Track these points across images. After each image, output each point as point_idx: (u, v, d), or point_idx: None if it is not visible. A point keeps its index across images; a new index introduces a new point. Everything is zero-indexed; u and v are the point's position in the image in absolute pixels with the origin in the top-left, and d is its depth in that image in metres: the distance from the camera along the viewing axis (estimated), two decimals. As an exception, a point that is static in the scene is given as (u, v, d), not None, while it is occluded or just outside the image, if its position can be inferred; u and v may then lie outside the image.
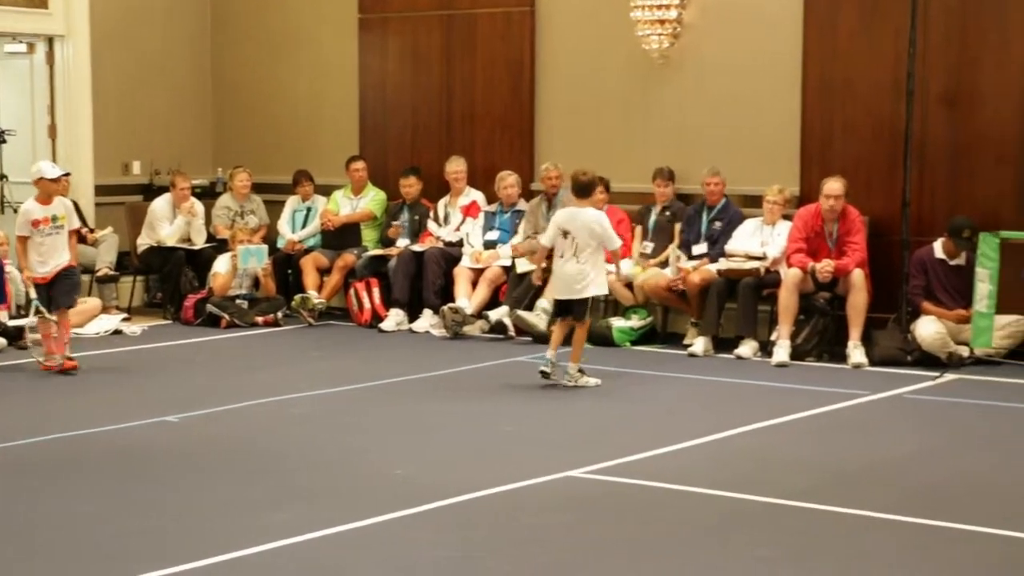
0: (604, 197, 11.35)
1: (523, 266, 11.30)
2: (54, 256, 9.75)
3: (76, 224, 10.21)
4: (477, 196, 12.25)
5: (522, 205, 11.93)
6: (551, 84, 12.20)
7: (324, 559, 5.64)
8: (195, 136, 13.90)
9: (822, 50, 10.90)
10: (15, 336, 10.60)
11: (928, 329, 9.90)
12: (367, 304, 11.94)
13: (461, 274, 11.67)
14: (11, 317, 10.87)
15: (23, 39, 13.11)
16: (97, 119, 13.03)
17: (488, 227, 12.02)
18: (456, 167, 12.23)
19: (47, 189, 9.80)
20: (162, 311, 12.51)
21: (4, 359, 10.23)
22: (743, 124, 11.25)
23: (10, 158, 12.85)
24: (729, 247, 10.70)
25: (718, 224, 10.92)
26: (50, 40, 12.97)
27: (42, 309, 9.66)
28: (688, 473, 6.96)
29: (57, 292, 9.73)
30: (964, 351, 9.82)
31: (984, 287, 9.26)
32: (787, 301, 10.16)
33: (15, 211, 12.63)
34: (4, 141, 12.74)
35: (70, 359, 9.64)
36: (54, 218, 9.76)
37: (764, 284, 10.46)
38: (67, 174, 10.59)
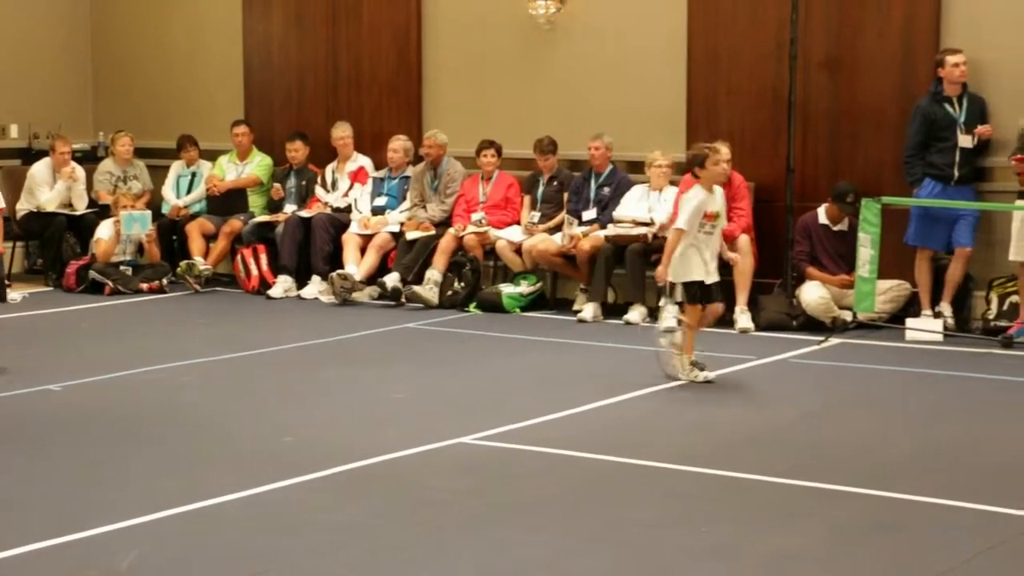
0: (496, 161, 11.40)
1: (413, 234, 11.31)
2: None
3: None
4: (365, 162, 12.17)
5: (410, 171, 11.89)
6: (438, 49, 12.16)
7: (215, 526, 5.59)
8: (75, 99, 13.62)
9: (707, 16, 10.99)
10: None
11: (812, 294, 10.07)
12: (254, 271, 11.82)
13: (350, 240, 11.61)
14: None
15: None
16: (-28, 81, 12.71)
17: (376, 193, 11.96)
18: (342, 132, 12.13)
19: None
20: (43, 278, 12.27)
21: None
22: (630, 90, 11.32)
23: None
24: (617, 213, 10.77)
25: (606, 190, 10.99)
26: (-78, -1, 12.61)
27: None
28: (577, 439, 7.01)
29: None
30: (848, 316, 10.01)
31: (866, 252, 9.45)
32: (675, 266, 10.24)
33: None
34: None
35: None
36: None
37: (652, 250, 10.54)
38: None
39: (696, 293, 8.20)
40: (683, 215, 8.29)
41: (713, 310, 8.35)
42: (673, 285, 8.25)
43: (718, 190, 8.41)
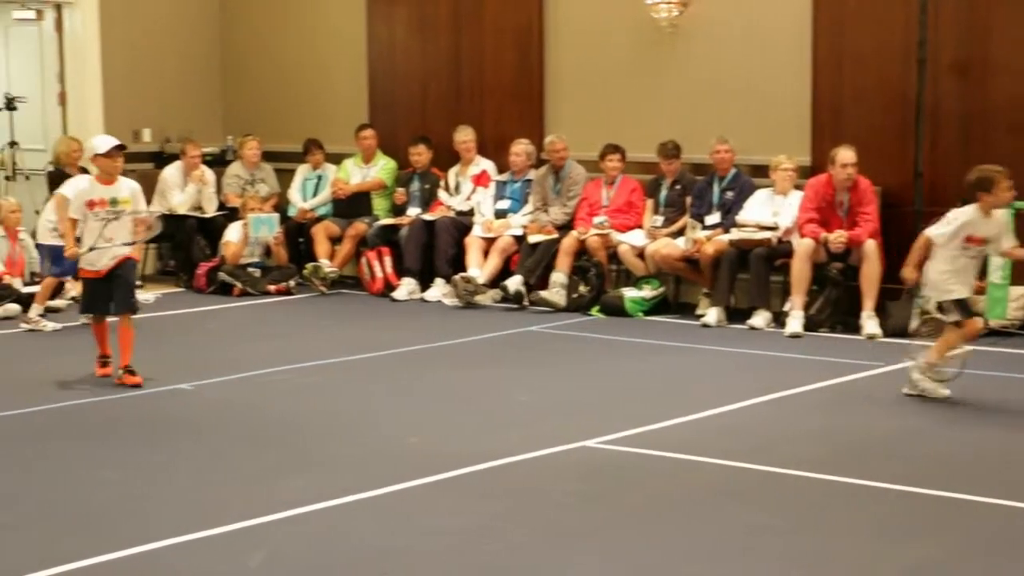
0: (620, 166, 11.40)
1: (535, 237, 11.36)
2: (109, 256, 8.33)
3: (143, 209, 8.62)
4: (487, 165, 12.24)
5: (532, 174, 11.93)
6: (560, 53, 12.17)
7: (342, 526, 5.67)
8: (205, 104, 13.89)
9: (832, 17, 10.84)
10: (28, 302, 10.63)
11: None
12: (379, 273, 11.96)
13: (473, 243, 11.69)
14: (25, 284, 10.92)
15: (31, 5, 13.10)
16: (107, 86, 13.03)
17: (499, 196, 12.02)
18: (465, 136, 12.21)
19: (104, 167, 8.35)
20: (175, 279, 12.53)
21: (16, 325, 10.26)
22: (753, 93, 11.22)
23: (21, 125, 12.84)
24: (740, 217, 10.69)
25: (730, 194, 10.90)
26: (58, 6, 12.96)
27: (93, 317, 8.61)
28: (700, 444, 6.97)
29: (115, 294, 8.34)
30: (979, 322, 9.79)
31: (998, 259, 9.25)
32: (800, 271, 10.16)
33: (27, 178, 12.67)
34: (15, 108, 12.73)
35: (132, 373, 8.26)
36: (113, 201, 8.32)
37: (776, 254, 10.45)
38: (120, 147, 8.45)
39: (961, 309, 7.92)
40: (941, 227, 7.97)
41: (972, 325, 8.04)
42: (940, 304, 7.93)
43: (998, 215, 8.00)
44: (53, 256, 10.11)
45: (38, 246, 10.83)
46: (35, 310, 10.18)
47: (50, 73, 13.11)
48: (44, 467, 6.54)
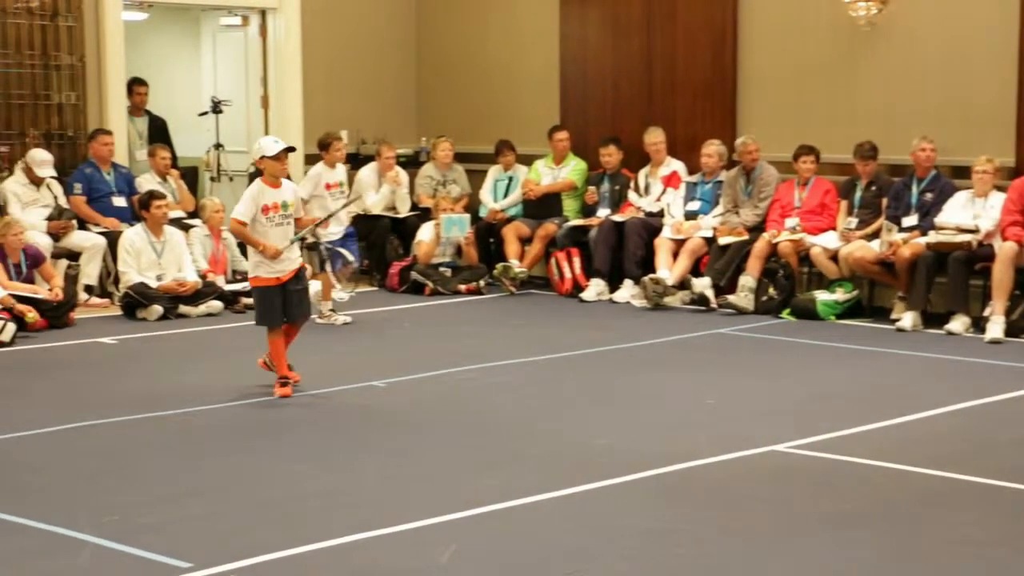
0: (813, 167, 11.23)
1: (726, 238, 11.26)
2: (286, 259, 8.07)
3: (300, 213, 8.47)
4: (678, 166, 12.18)
5: (723, 175, 11.83)
6: (754, 52, 12.04)
7: (530, 525, 5.71)
8: (400, 106, 14.14)
9: (1040, 15, 10.50)
10: (231, 300, 11.00)
11: None
12: (568, 274, 12.01)
13: (662, 245, 11.64)
14: (227, 281, 11.28)
15: (237, 12, 13.53)
16: (307, 89, 13.37)
17: (689, 197, 11.95)
18: (655, 138, 12.17)
19: (272, 169, 8.10)
20: (368, 278, 12.79)
21: (220, 322, 10.61)
22: (954, 93, 10.92)
23: (226, 128, 13.27)
24: (939, 220, 10.41)
25: (928, 195, 10.63)
26: (263, 12, 13.35)
27: (271, 331, 8.05)
28: (894, 450, 6.82)
29: (293, 303, 8.05)
30: None
31: None
32: (1002, 275, 9.85)
33: (231, 179, 13.09)
34: (220, 111, 13.16)
35: (286, 383, 8.03)
36: (284, 205, 8.12)
37: (976, 258, 10.15)
38: (290, 149, 8.25)
39: None
40: None
41: None
42: None
43: None
44: (331, 254, 10.31)
45: (313, 246, 10.13)
46: (325, 306, 10.48)
47: (254, 77, 13.52)
48: (244, 460, 6.74)
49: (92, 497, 6.04)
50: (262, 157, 8.11)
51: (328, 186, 10.64)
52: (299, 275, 8.14)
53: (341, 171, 10.93)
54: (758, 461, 6.66)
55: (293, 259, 8.12)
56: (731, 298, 10.89)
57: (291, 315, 8.06)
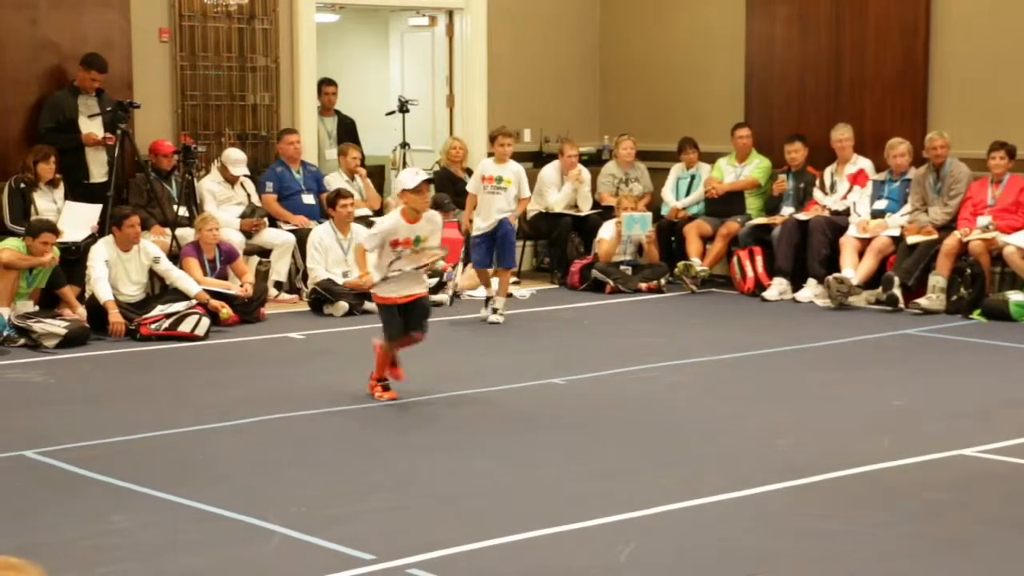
0: (1007, 164, 10.91)
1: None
2: (410, 283, 7.94)
3: (436, 244, 8.13)
4: (865, 164, 11.96)
5: (911, 173, 11.56)
6: (946, 46, 11.75)
7: (709, 524, 5.68)
8: (583, 104, 14.19)
9: None
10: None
11: None
12: (750, 272, 11.89)
13: (847, 244, 11.44)
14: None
15: (425, 12, 13.75)
16: (490, 89, 13.51)
17: (876, 196, 11.71)
18: (842, 134, 11.96)
19: (413, 203, 7.84)
20: (550, 275, 12.86)
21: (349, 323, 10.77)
22: None
23: (412, 127, 13.49)
24: None
25: None
26: (450, 13, 13.55)
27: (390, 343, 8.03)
28: (1091, 457, 6.61)
29: (412, 320, 7.97)
30: None
31: None
32: None
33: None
34: (407, 111, 13.38)
35: (387, 388, 8.02)
36: (416, 240, 7.88)
37: None
38: (429, 180, 8.07)
39: None
40: None
41: None
42: None
43: None
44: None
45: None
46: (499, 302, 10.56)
47: (440, 77, 13.73)
48: (423, 455, 6.85)
49: (279, 488, 6.22)
50: (403, 191, 7.90)
51: (484, 179, 10.72)
52: (421, 300, 8.00)
53: (510, 167, 10.82)
54: (944, 465, 6.51)
55: (417, 285, 7.97)
56: (920, 301, 10.64)
57: (410, 327, 7.96)
